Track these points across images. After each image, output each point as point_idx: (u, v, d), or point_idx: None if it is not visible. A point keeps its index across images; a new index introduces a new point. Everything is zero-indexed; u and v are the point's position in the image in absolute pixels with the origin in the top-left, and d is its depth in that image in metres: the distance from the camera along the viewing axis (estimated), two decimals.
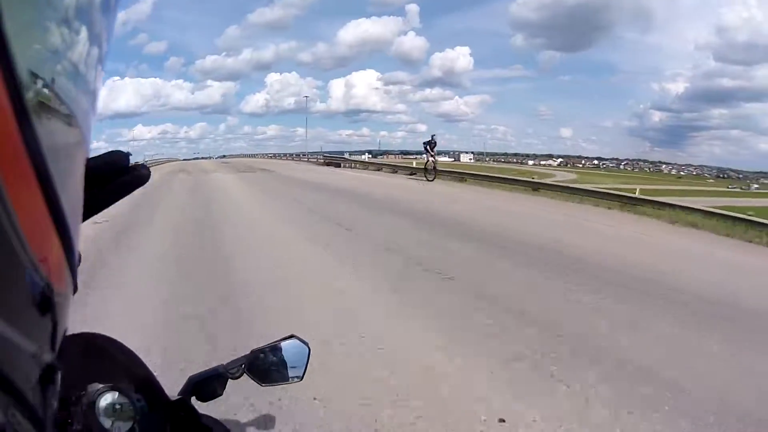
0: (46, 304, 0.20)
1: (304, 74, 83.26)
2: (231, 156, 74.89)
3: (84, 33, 0.22)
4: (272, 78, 79.55)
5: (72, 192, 0.22)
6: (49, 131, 0.19)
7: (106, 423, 0.67)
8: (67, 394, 0.69)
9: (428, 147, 14.07)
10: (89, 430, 0.67)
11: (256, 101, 79.70)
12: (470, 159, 69.47)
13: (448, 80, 77.66)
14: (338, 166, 22.53)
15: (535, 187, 12.33)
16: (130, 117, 73.42)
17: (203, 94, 78.00)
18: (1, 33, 0.16)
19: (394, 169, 18.78)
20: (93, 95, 0.24)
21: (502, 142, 76.62)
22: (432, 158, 14.02)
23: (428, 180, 13.56)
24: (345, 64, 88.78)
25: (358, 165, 22.10)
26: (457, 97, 78.74)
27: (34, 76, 0.18)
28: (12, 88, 0.17)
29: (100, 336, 0.72)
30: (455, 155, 69.01)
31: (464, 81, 79.99)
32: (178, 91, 75.95)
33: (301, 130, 78.85)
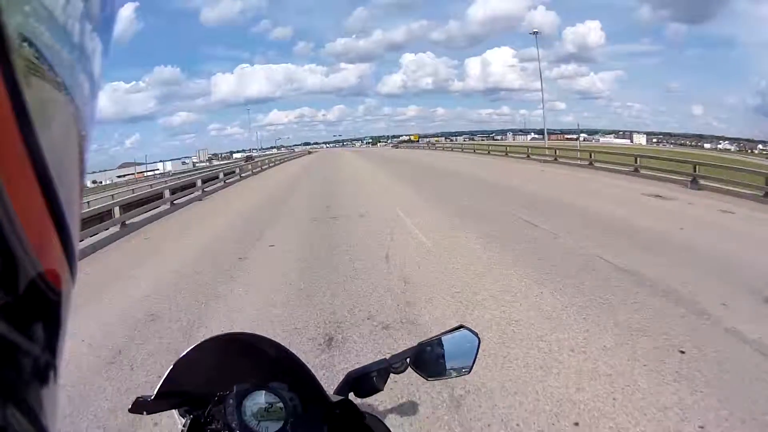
0: (46, 304, 0.20)
1: (438, 53, 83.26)
2: (402, 142, 65.26)
3: (86, 26, 0.22)
4: (407, 58, 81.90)
5: (72, 191, 0.22)
6: (48, 130, 0.19)
7: (252, 423, 0.67)
8: (208, 393, 0.70)
9: None
10: (230, 430, 0.68)
11: (393, 82, 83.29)
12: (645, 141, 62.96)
13: (582, 56, 69.88)
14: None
15: None
16: (263, 102, 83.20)
17: (338, 77, 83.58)
18: (2, 32, 0.16)
19: None
20: (94, 87, 0.24)
21: (638, 120, 66.22)
22: None
23: None
24: (478, 42, 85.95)
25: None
26: (592, 73, 70.43)
27: (33, 68, 0.18)
28: (12, 87, 0.17)
29: (251, 335, 0.70)
30: (628, 136, 63.37)
31: (597, 56, 70.74)
32: (311, 75, 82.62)
33: (441, 110, 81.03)
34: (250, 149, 67.67)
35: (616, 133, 63.33)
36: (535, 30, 40.83)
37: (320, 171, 21.50)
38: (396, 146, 60.31)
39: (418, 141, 67.37)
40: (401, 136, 73.74)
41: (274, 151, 64.74)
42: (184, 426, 0.71)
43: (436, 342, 0.79)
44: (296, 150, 61.75)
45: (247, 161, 37.15)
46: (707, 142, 54.65)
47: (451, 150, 37.75)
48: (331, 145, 75.26)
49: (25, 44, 0.18)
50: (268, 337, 0.70)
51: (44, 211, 0.20)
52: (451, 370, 0.79)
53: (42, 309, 0.20)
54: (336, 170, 20.87)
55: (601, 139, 50.35)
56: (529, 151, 21.81)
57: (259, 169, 25.33)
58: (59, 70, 0.20)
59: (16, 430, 0.18)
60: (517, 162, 20.06)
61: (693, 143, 56.20)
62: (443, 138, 71.11)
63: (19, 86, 0.17)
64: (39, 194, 0.19)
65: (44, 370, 0.20)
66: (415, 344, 0.80)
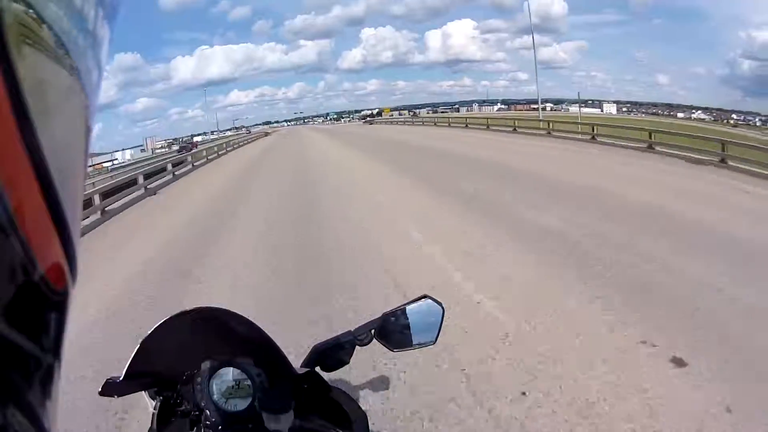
0: (47, 304, 0.20)
1: (398, 27, 79.36)
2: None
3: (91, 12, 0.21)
4: (367, 33, 77.76)
5: (72, 190, 0.21)
6: (48, 129, 0.18)
7: (221, 401, 0.66)
8: (177, 372, 0.68)
9: None
10: (200, 410, 0.66)
11: (352, 57, 79.24)
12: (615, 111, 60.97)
13: (545, 26, 68.05)
14: None
15: None
16: (224, 84, 78.78)
17: (297, 54, 79.05)
18: (1, 29, 0.16)
19: None
20: (95, 91, 0.23)
21: (602, 89, 65.42)
22: None
23: None
24: (439, 14, 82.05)
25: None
26: (555, 43, 69.04)
27: (32, 66, 0.17)
28: (12, 86, 0.16)
29: (217, 309, 0.66)
30: (598, 105, 60.88)
31: (560, 27, 69.03)
32: (270, 54, 77.60)
33: (401, 84, 77.39)
34: (212, 131, 60.62)
35: (584, 102, 60.98)
36: None
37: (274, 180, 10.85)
38: (369, 122, 51.63)
39: (388, 115, 61.44)
40: (363, 110, 69.05)
41: (230, 133, 58.02)
42: (154, 408, 0.69)
43: (400, 312, 0.78)
44: (253, 131, 55.40)
45: (181, 151, 26.27)
46: (680, 112, 52.76)
47: (422, 124, 33.88)
48: (292, 123, 69.99)
49: (45, 26, 0.18)
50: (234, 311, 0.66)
51: (44, 210, 0.19)
52: (416, 343, 0.78)
53: (42, 309, 0.20)
54: (305, 172, 11.61)
55: (570, 109, 47.40)
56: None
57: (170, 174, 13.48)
58: (75, 55, 0.20)
59: (16, 430, 0.18)
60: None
61: (665, 112, 54.34)
62: (407, 111, 66.39)
63: (19, 85, 0.17)
64: (39, 194, 0.18)
65: (45, 371, 0.20)
66: (379, 316, 0.78)
